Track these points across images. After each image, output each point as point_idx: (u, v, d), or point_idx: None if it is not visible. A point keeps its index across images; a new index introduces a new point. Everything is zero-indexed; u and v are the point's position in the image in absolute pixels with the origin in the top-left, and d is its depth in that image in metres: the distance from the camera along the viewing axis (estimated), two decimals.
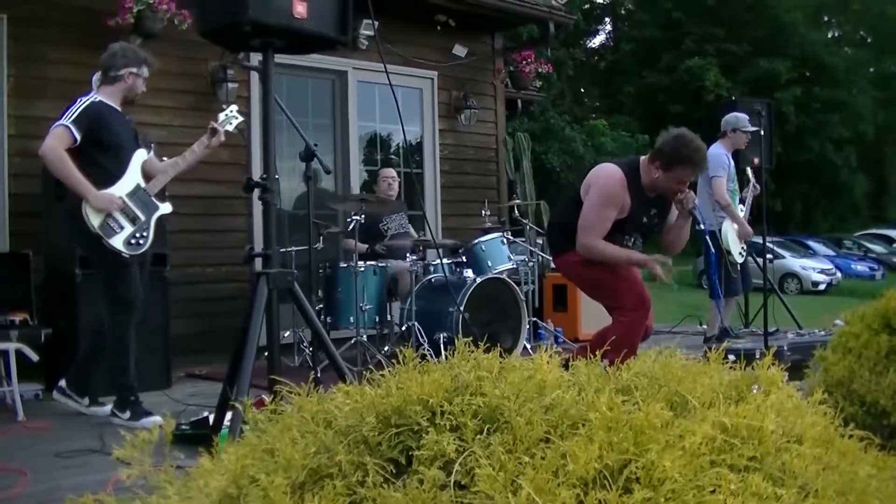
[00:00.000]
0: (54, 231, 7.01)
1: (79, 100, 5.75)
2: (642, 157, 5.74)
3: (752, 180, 9.34)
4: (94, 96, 5.82)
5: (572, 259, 5.85)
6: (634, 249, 5.84)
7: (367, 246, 8.41)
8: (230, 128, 6.18)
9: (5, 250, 7.36)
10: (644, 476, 1.39)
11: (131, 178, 5.86)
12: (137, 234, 5.77)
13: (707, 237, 8.89)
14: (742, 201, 9.27)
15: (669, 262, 5.75)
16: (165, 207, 6.03)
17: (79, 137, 5.58)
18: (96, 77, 6.02)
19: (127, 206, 5.75)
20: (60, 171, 5.60)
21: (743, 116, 8.99)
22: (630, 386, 1.74)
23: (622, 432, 1.46)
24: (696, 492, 1.38)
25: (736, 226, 8.84)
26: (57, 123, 5.61)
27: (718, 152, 8.86)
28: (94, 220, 5.61)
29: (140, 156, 5.97)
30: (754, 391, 1.81)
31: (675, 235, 5.93)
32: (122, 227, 5.71)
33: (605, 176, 5.72)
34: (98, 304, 6.04)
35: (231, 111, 6.22)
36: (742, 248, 8.97)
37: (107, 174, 5.73)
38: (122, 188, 5.78)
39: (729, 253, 8.77)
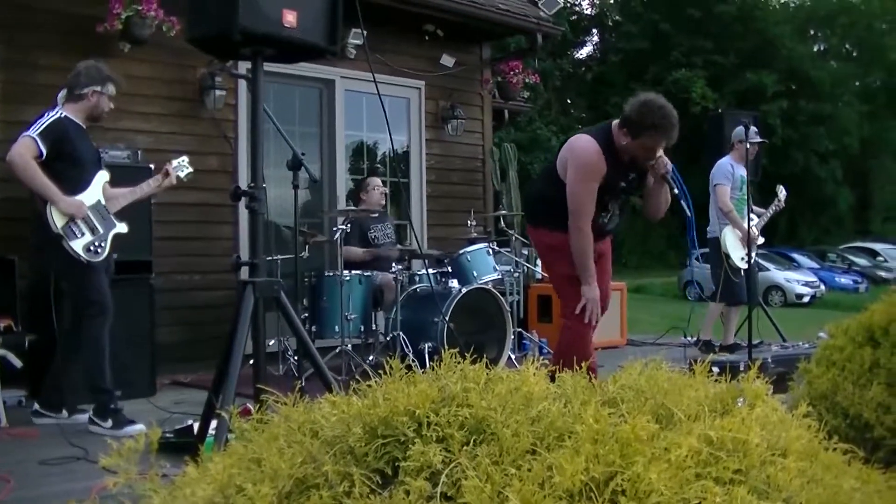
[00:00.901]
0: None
1: (46, 113, 5.83)
2: (614, 122, 5.53)
3: (780, 196, 9.50)
4: (61, 112, 5.88)
5: (544, 239, 5.80)
6: (612, 223, 5.73)
7: (363, 250, 8.43)
8: (181, 174, 6.38)
9: None
10: (630, 488, 1.40)
11: (93, 193, 5.94)
12: (96, 243, 5.84)
13: (712, 244, 9.04)
14: (754, 212, 9.32)
15: (597, 312, 5.59)
16: (122, 227, 6.07)
17: (45, 151, 5.65)
18: (61, 95, 6.10)
19: (88, 217, 5.83)
20: (28, 177, 5.65)
21: (742, 130, 9.13)
22: (616, 398, 1.75)
23: (608, 444, 1.47)
24: None
25: (738, 232, 8.94)
26: (25, 134, 5.69)
27: (724, 161, 9.16)
28: (58, 222, 5.68)
29: (102, 176, 6.07)
30: (739, 404, 1.82)
31: (653, 202, 5.75)
32: (82, 234, 5.78)
33: (582, 150, 5.51)
34: (62, 317, 6.07)
35: (182, 160, 6.41)
36: (746, 253, 9.02)
37: (69, 187, 5.78)
38: (85, 199, 5.86)
39: (728, 257, 8.87)
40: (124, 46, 7.86)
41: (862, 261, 35.70)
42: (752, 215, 9.15)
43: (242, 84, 8.85)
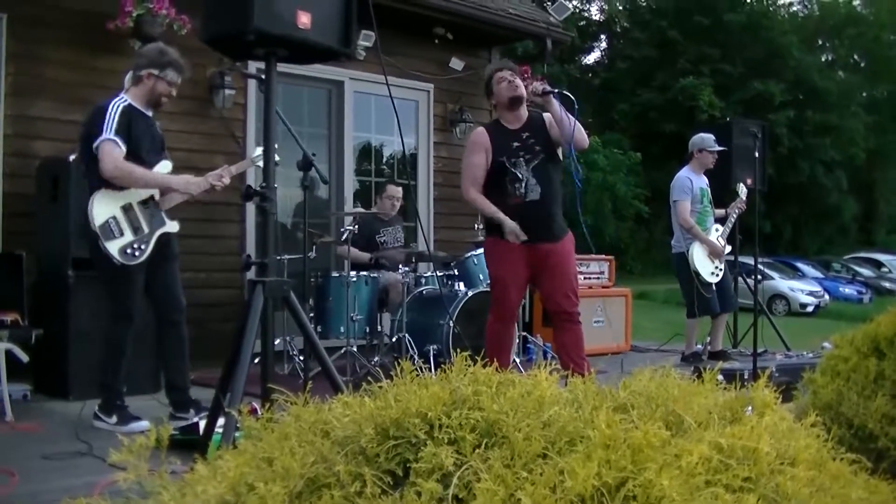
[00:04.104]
0: (48, 232, 7.01)
1: (110, 106, 5.59)
2: None
3: (742, 196, 9.36)
4: (124, 99, 5.69)
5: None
6: (532, 193, 5.98)
7: (370, 256, 8.44)
8: (261, 164, 6.13)
9: None
10: (641, 494, 1.41)
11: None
12: (136, 245, 5.64)
13: (677, 259, 8.99)
14: (721, 220, 9.30)
15: (518, 234, 5.93)
16: (172, 225, 5.90)
17: (125, 149, 5.51)
18: (128, 77, 5.90)
19: (134, 214, 5.66)
20: (138, 181, 5.60)
21: (708, 137, 9.10)
22: (626, 404, 1.76)
23: (620, 450, 1.48)
24: None
25: (705, 246, 8.88)
26: (102, 138, 5.47)
27: (682, 176, 9.03)
28: (98, 219, 5.51)
29: (162, 168, 5.88)
30: (748, 412, 1.83)
31: (559, 129, 5.95)
32: (122, 233, 5.59)
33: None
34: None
35: (258, 155, 6.09)
36: (716, 267, 8.99)
37: None
38: (134, 195, 5.68)
39: (698, 274, 8.81)
40: (135, 44, 7.86)
41: (866, 271, 35.68)
42: (717, 225, 9.17)
43: (252, 84, 8.86)
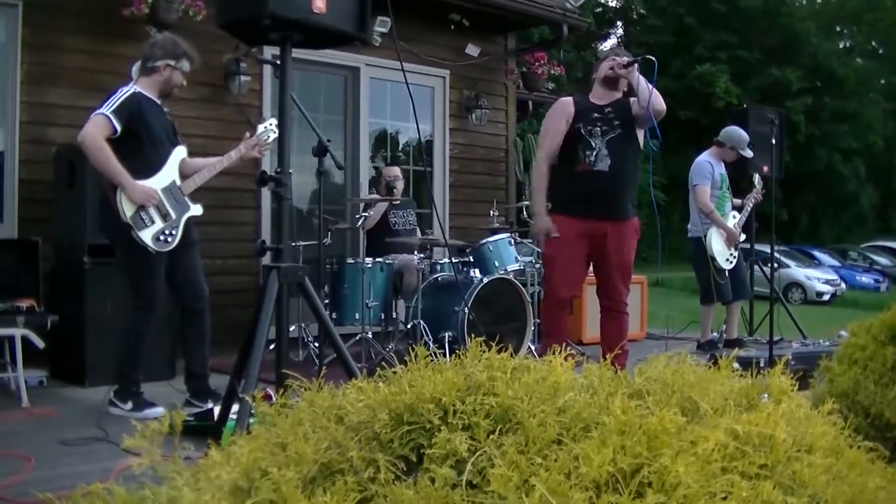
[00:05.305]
0: (64, 219, 7.02)
1: (119, 90, 5.61)
2: None
3: (758, 186, 9.31)
4: (134, 87, 5.67)
5: None
6: (601, 162, 6.03)
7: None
8: (269, 139, 6.13)
9: (14, 237, 7.35)
10: (657, 481, 1.40)
11: (168, 173, 5.75)
12: (167, 231, 5.64)
13: (694, 244, 8.96)
14: (738, 208, 9.25)
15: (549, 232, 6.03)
16: (196, 209, 5.89)
17: (119, 128, 5.44)
18: (135, 68, 5.92)
19: (160, 201, 5.64)
20: (98, 160, 5.45)
21: (743, 138, 9.01)
22: (642, 390, 1.75)
23: (636, 436, 1.47)
24: (707, 498, 1.38)
25: (723, 232, 8.84)
26: (97, 112, 5.47)
27: (702, 160, 9.00)
28: (128, 210, 5.48)
29: (179, 153, 5.86)
30: (764, 399, 1.82)
31: (637, 94, 6.13)
32: (152, 221, 5.57)
33: None
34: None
35: (271, 124, 6.12)
36: (731, 254, 8.95)
37: (143, 167, 5.60)
38: (157, 182, 5.66)
39: (714, 259, 8.77)
40: (150, 30, 7.86)
41: (883, 260, 35.48)
42: (734, 212, 9.12)
43: (267, 70, 8.87)
